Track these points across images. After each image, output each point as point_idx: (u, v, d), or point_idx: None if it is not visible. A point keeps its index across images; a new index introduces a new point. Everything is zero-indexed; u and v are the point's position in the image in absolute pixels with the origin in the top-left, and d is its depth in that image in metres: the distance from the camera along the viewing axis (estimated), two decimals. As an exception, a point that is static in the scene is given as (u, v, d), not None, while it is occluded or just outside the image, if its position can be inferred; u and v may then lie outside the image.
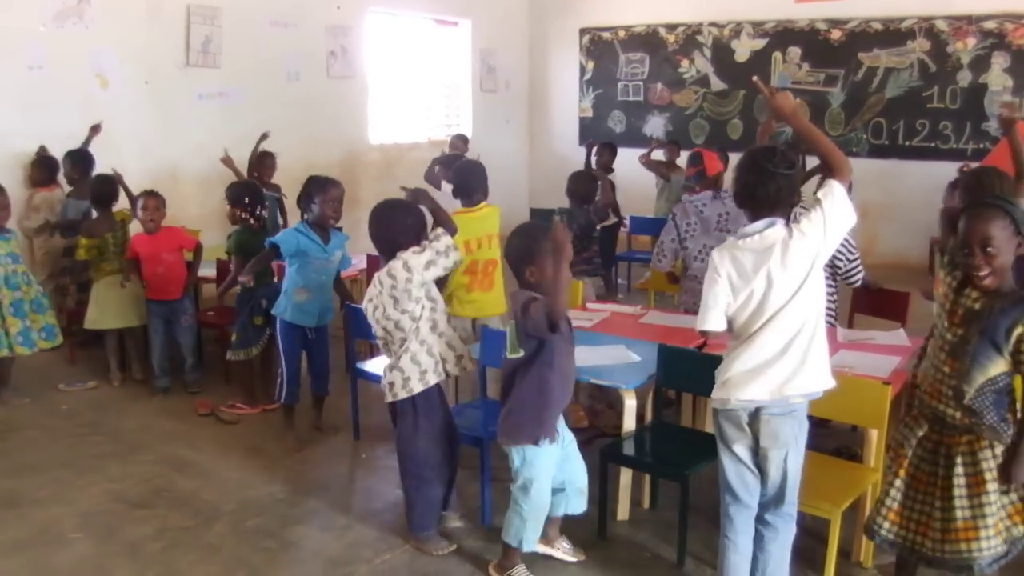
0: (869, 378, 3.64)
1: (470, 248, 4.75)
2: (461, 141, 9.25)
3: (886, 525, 2.99)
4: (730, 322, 3.03)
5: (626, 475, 3.97)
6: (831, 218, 2.88)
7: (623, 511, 3.99)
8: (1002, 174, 3.95)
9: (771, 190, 2.95)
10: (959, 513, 2.83)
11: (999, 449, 2.82)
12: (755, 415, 3.02)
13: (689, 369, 3.90)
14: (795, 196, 3.03)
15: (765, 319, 2.95)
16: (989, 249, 2.72)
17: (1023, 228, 2.74)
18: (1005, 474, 2.78)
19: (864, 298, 5.12)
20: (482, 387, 4.41)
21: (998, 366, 2.76)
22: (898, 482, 2.98)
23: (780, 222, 2.96)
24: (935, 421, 2.91)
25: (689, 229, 5.02)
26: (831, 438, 4.41)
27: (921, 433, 2.95)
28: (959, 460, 2.84)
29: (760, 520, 3.15)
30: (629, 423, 3.91)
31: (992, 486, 2.80)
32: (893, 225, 9.45)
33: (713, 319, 3.02)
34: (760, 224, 2.97)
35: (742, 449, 3.08)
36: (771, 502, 3.11)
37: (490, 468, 3.99)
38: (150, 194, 5.70)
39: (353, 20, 9.69)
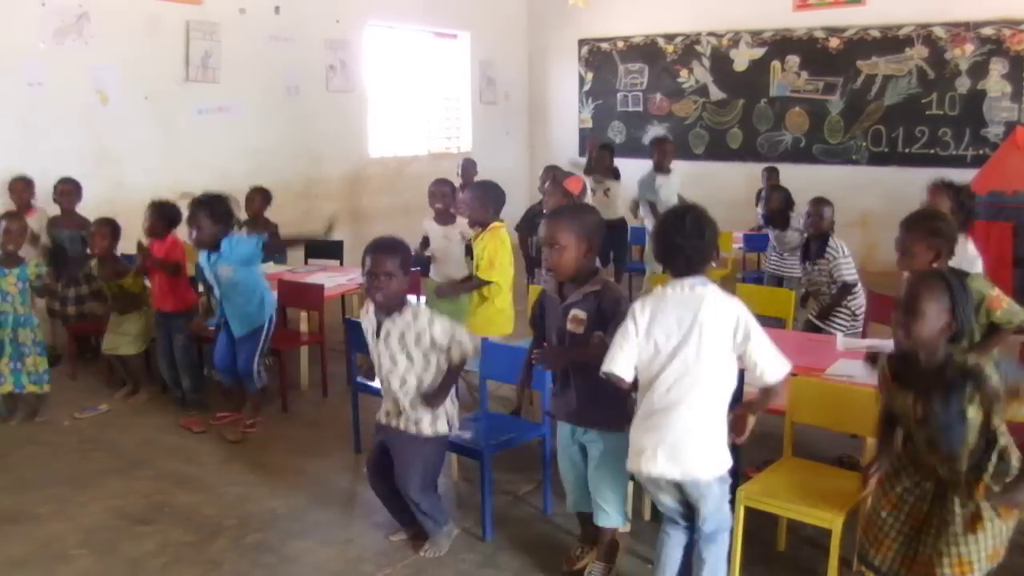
0: (868, 387, 3.63)
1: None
2: (471, 166, 9.27)
3: (879, 557, 2.94)
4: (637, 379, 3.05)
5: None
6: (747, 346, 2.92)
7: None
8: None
9: (679, 262, 2.99)
10: (953, 549, 2.74)
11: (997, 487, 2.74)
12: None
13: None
14: (709, 260, 3.01)
15: (673, 379, 2.96)
16: (919, 310, 2.65)
17: (959, 311, 2.65)
18: (1006, 498, 2.69)
19: (880, 306, 5.13)
20: (482, 399, 4.40)
21: (973, 435, 2.67)
22: (888, 517, 2.91)
23: (709, 284, 2.98)
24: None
25: None
26: (832, 447, 4.40)
27: (913, 481, 2.88)
28: (957, 499, 2.75)
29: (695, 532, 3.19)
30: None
31: (989, 524, 2.72)
32: (893, 233, 9.28)
33: (620, 364, 3.01)
34: (690, 280, 2.98)
35: (662, 496, 3.15)
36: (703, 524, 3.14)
37: (491, 481, 3.99)
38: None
39: (352, 34, 9.73)
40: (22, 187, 6.50)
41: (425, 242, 5.90)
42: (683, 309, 2.95)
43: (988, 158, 8.83)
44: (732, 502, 3.26)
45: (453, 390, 3.78)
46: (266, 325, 5.21)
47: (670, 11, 11.24)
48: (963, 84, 9.59)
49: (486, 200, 5.22)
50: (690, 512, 3.15)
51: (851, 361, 4.13)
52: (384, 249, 3.65)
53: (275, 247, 5.23)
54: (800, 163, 10.28)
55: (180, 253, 5.59)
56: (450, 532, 3.91)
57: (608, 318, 3.26)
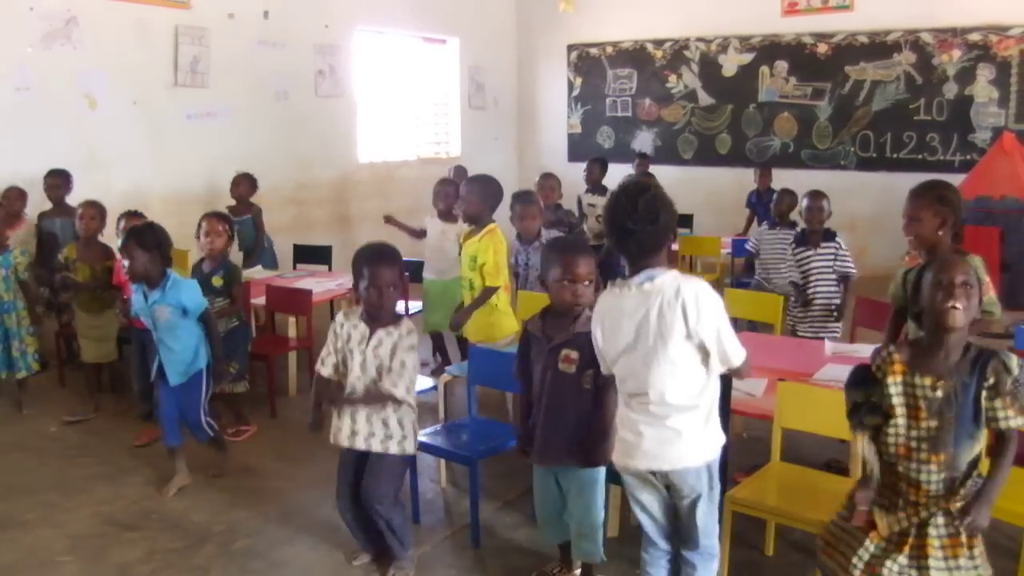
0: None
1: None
2: (462, 173, 9.25)
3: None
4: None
5: (616, 492, 3.96)
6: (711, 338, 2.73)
7: (613, 528, 3.97)
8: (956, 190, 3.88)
9: (631, 247, 2.77)
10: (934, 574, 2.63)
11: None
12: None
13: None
14: (664, 245, 2.80)
15: (641, 377, 2.82)
16: (969, 288, 2.58)
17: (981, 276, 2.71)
18: (964, 513, 2.58)
19: (868, 311, 5.14)
20: (470, 406, 4.40)
21: (981, 442, 2.62)
22: (870, 545, 2.72)
23: (661, 273, 2.76)
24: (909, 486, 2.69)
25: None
26: (820, 452, 4.41)
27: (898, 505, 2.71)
28: (939, 522, 2.63)
29: (679, 555, 3.06)
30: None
31: (974, 544, 2.64)
32: (882, 237, 9.44)
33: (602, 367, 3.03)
34: (639, 277, 2.79)
35: (647, 497, 3.00)
36: (684, 543, 3.03)
37: (480, 488, 3.98)
38: (132, 214, 5.58)
39: (341, 39, 9.71)
40: (16, 196, 6.45)
41: (422, 235, 6.39)
42: (633, 314, 2.79)
43: (975, 163, 8.88)
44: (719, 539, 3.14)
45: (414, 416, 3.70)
46: (204, 372, 4.68)
47: (659, 16, 11.26)
48: (951, 90, 9.64)
49: (485, 195, 5.08)
50: (673, 527, 3.05)
51: (839, 366, 4.14)
52: (387, 260, 3.57)
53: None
54: (789, 168, 10.30)
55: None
56: (412, 558, 3.79)
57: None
